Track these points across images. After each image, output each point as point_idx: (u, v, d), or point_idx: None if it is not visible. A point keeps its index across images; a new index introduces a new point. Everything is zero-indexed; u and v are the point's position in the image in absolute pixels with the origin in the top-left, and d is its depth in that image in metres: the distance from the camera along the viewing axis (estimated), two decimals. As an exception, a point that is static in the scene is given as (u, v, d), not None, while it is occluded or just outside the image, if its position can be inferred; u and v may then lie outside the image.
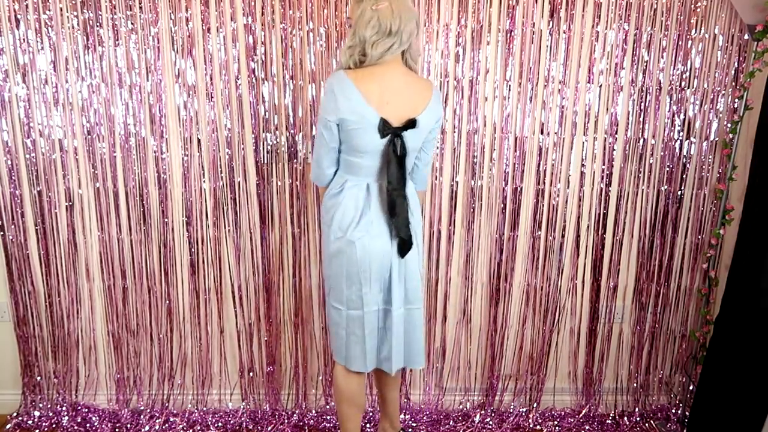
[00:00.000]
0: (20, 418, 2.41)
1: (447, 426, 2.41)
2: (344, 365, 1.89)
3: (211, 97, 2.19)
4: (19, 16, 2.10)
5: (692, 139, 2.30)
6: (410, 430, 2.39)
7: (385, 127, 1.69)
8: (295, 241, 2.33)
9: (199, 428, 2.37)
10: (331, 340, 1.93)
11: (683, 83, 2.25)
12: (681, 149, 2.31)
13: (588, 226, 2.39)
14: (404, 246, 1.78)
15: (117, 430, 2.35)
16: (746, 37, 2.19)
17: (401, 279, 1.82)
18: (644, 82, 2.24)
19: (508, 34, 2.18)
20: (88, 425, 2.37)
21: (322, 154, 1.78)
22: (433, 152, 1.90)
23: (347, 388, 1.92)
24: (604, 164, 2.32)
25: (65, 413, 2.42)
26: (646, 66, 2.23)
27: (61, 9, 2.10)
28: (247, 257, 2.35)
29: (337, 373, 1.92)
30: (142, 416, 2.41)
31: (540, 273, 2.42)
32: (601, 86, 2.25)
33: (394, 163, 1.72)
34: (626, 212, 2.37)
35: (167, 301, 2.38)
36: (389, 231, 1.78)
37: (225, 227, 2.32)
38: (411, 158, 1.80)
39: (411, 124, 1.72)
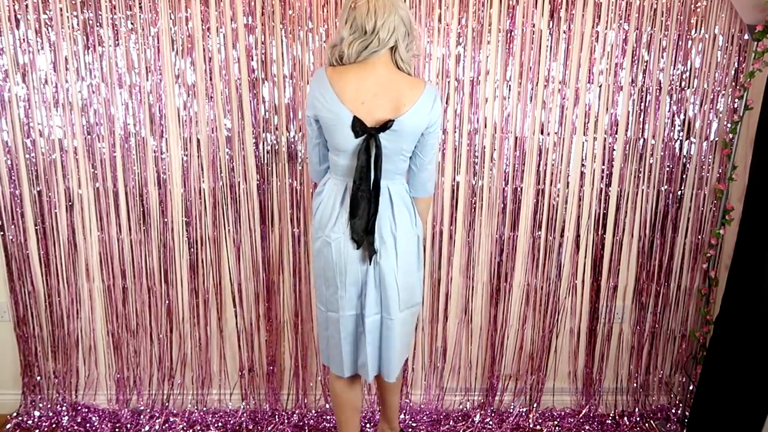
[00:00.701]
0: (20, 418, 2.41)
1: (447, 426, 2.41)
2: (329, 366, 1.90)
3: (211, 97, 2.19)
4: (19, 16, 2.09)
5: (692, 139, 2.30)
6: (410, 430, 2.39)
7: (357, 127, 1.65)
8: (295, 241, 2.33)
9: (199, 428, 2.37)
10: (318, 340, 1.93)
11: (683, 83, 2.25)
12: (681, 149, 2.31)
13: (588, 226, 2.39)
14: (370, 249, 1.72)
15: (117, 430, 2.35)
16: (746, 37, 2.19)
17: (376, 285, 1.76)
18: (644, 82, 2.24)
19: (509, 34, 2.18)
20: (88, 425, 2.37)
21: (309, 149, 1.84)
22: (431, 156, 1.79)
23: (341, 391, 1.91)
24: (604, 164, 2.32)
25: (65, 413, 2.42)
26: (646, 66, 2.23)
27: (61, 9, 2.10)
28: (247, 257, 2.35)
29: (331, 377, 1.91)
30: (142, 416, 2.41)
31: (540, 273, 2.42)
32: (601, 86, 2.25)
33: (363, 162, 1.67)
34: (626, 212, 2.37)
35: (167, 301, 2.38)
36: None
37: (225, 227, 2.32)
38: (394, 161, 1.73)
39: (386, 125, 1.66)
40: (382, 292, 1.76)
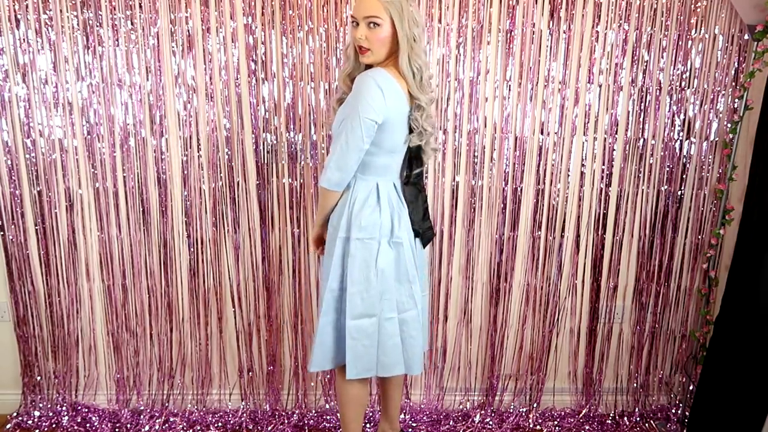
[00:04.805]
0: (20, 418, 2.41)
1: (447, 426, 2.41)
2: (399, 374, 1.86)
3: (211, 97, 2.19)
4: (19, 16, 2.09)
5: (692, 139, 2.30)
6: (410, 430, 2.39)
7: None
8: (295, 241, 2.33)
9: (199, 428, 2.37)
10: (368, 355, 1.79)
11: (683, 83, 2.25)
12: (681, 149, 2.31)
13: (588, 226, 2.39)
14: (428, 234, 1.90)
15: (117, 430, 2.35)
16: (746, 37, 2.19)
17: (421, 265, 1.91)
18: (644, 82, 2.24)
19: (508, 34, 2.18)
20: (88, 425, 2.37)
21: (354, 157, 1.67)
22: None
23: (363, 391, 1.91)
24: (604, 164, 2.32)
25: (65, 413, 2.42)
26: (646, 66, 2.23)
27: (61, 10, 2.10)
28: (247, 257, 2.35)
29: (354, 383, 1.87)
30: (142, 416, 2.41)
31: (540, 273, 2.42)
32: (601, 86, 2.25)
33: (414, 155, 1.82)
34: (626, 212, 2.37)
35: (167, 301, 2.37)
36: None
37: (225, 227, 2.32)
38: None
39: None
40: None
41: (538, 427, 2.45)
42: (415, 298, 1.82)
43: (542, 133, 2.28)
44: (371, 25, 1.63)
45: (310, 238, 1.89)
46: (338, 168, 1.68)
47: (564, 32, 2.18)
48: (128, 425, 2.37)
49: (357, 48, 1.69)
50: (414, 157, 1.84)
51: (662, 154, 2.31)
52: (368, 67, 1.75)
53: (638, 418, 2.50)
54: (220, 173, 2.27)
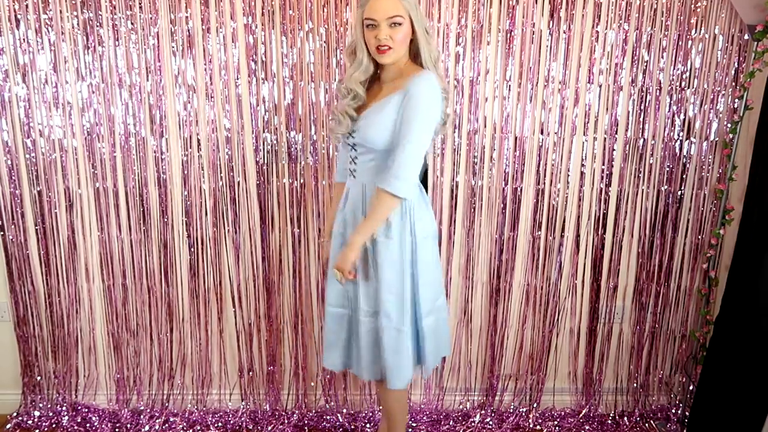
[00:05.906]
0: (20, 418, 2.41)
1: (447, 426, 2.41)
2: (432, 365, 1.90)
3: (211, 97, 2.19)
4: (19, 16, 2.10)
5: (692, 139, 2.30)
6: (410, 430, 2.39)
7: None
8: (295, 241, 2.33)
9: (199, 428, 2.37)
10: (435, 347, 1.87)
11: (683, 83, 2.24)
12: (681, 149, 2.31)
13: (588, 226, 2.39)
14: None
15: (117, 430, 2.35)
16: (746, 37, 2.18)
17: None
18: (644, 82, 2.24)
19: (508, 34, 2.18)
20: (88, 425, 2.37)
21: (421, 161, 1.66)
22: None
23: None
24: (604, 164, 2.32)
25: (65, 413, 2.42)
26: (646, 66, 2.23)
27: (61, 10, 2.10)
28: (247, 257, 2.35)
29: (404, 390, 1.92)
30: (142, 416, 2.41)
31: (540, 273, 2.42)
32: (601, 86, 2.25)
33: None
34: (626, 212, 2.37)
35: (167, 301, 2.37)
36: None
37: (225, 227, 2.32)
38: None
39: None
40: None
41: (538, 427, 2.45)
42: (442, 285, 1.92)
43: (542, 133, 2.28)
44: (392, 25, 1.63)
45: (349, 258, 1.68)
46: (414, 176, 1.65)
47: (564, 32, 2.18)
48: (128, 425, 2.37)
49: (375, 49, 1.65)
50: None
51: (662, 154, 2.31)
52: (378, 66, 1.75)
53: (638, 418, 2.50)
54: (220, 173, 2.27)
